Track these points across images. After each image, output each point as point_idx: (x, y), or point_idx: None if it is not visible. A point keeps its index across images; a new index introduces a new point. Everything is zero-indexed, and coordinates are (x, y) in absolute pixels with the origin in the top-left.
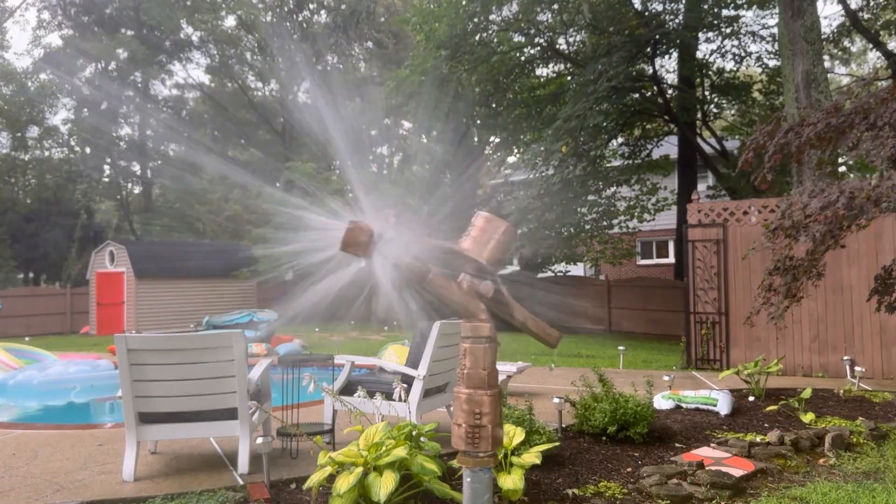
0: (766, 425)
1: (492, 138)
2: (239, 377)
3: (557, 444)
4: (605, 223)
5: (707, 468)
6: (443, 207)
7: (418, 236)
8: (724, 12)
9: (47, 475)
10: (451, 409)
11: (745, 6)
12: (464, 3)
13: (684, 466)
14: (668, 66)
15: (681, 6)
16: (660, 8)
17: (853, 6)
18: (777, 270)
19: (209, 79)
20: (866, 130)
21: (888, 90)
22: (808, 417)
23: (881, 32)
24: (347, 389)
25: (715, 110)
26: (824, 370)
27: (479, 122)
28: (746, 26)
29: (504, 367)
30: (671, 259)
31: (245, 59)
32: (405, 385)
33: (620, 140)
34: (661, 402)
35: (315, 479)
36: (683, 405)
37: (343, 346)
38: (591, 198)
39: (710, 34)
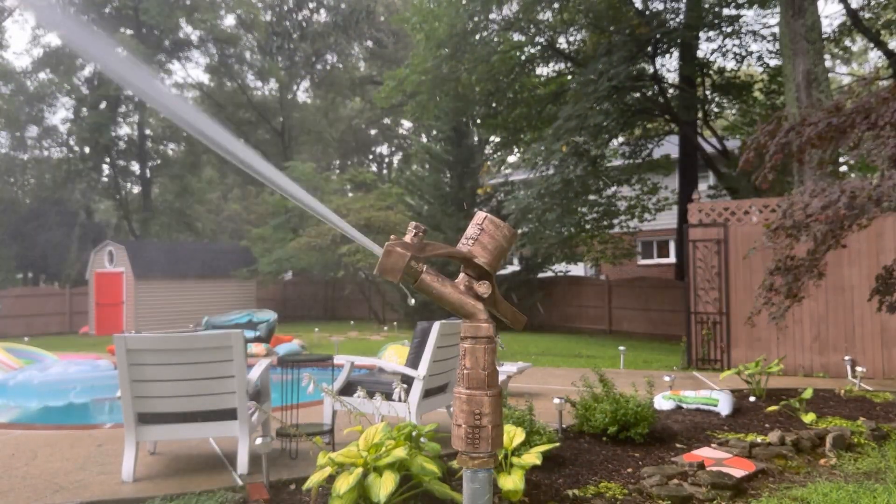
0: (766, 426)
1: (492, 138)
2: (238, 377)
3: (558, 444)
4: (605, 223)
5: (708, 469)
6: (442, 207)
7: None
8: (725, 11)
9: (47, 475)
10: (451, 409)
11: (746, 5)
12: (464, 2)
13: (685, 467)
14: (668, 66)
15: (681, 5)
16: (661, 7)
17: (854, 5)
18: (778, 270)
19: (208, 78)
20: (867, 130)
21: (889, 90)
22: (808, 418)
23: (882, 32)
24: (347, 390)
25: (716, 110)
26: (825, 370)
27: (479, 121)
28: (747, 25)
29: (504, 368)
30: (672, 259)
31: (244, 58)
32: (405, 385)
33: (621, 139)
34: (662, 402)
35: (315, 479)
36: (684, 405)
37: (343, 346)
38: (591, 197)
39: (711, 33)
